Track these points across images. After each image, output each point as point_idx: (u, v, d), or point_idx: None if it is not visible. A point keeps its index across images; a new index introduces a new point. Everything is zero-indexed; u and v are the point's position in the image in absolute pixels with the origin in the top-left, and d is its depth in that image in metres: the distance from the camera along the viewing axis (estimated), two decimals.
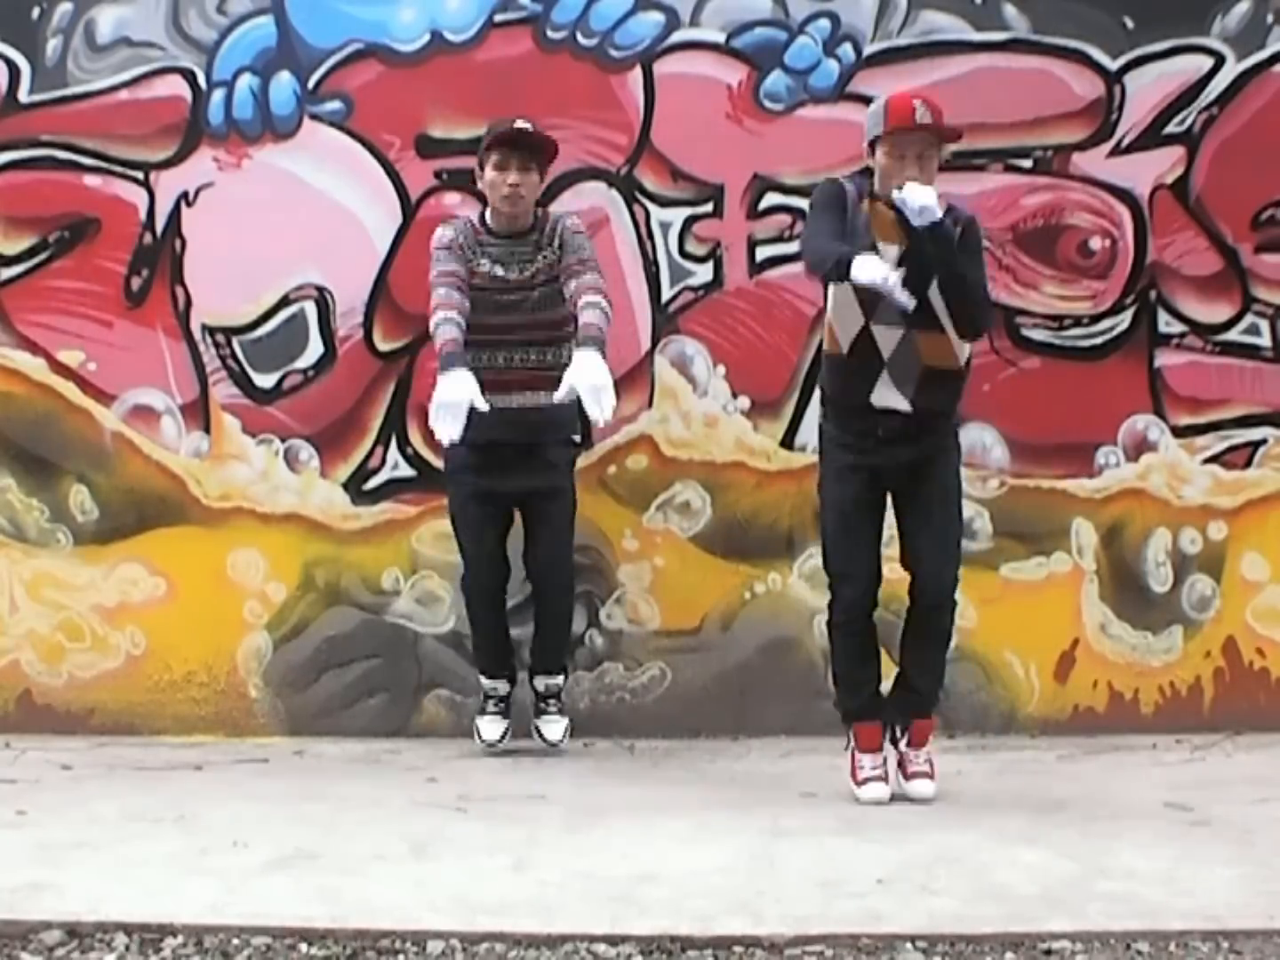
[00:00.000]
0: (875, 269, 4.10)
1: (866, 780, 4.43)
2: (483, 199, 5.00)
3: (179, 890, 3.63)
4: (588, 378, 4.47)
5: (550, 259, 4.88)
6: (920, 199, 4.16)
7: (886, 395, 4.33)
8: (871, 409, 4.34)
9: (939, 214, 4.19)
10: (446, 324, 4.67)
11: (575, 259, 4.85)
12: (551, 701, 5.11)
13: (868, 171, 4.42)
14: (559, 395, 4.53)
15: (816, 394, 4.84)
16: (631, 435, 5.39)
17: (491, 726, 5.12)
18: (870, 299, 4.25)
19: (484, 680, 5.13)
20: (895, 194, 4.21)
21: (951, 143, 4.40)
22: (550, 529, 5.00)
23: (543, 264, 4.89)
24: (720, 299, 5.37)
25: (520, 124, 4.87)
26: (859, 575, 4.42)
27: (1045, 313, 5.37)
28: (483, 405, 4.51)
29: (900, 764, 4.52)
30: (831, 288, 4.35)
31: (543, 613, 5.09)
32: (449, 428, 4.48)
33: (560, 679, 5.13)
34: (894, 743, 4.54)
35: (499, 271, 4.88)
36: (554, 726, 5.10)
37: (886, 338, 4.31)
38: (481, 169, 4.90)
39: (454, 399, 4.50)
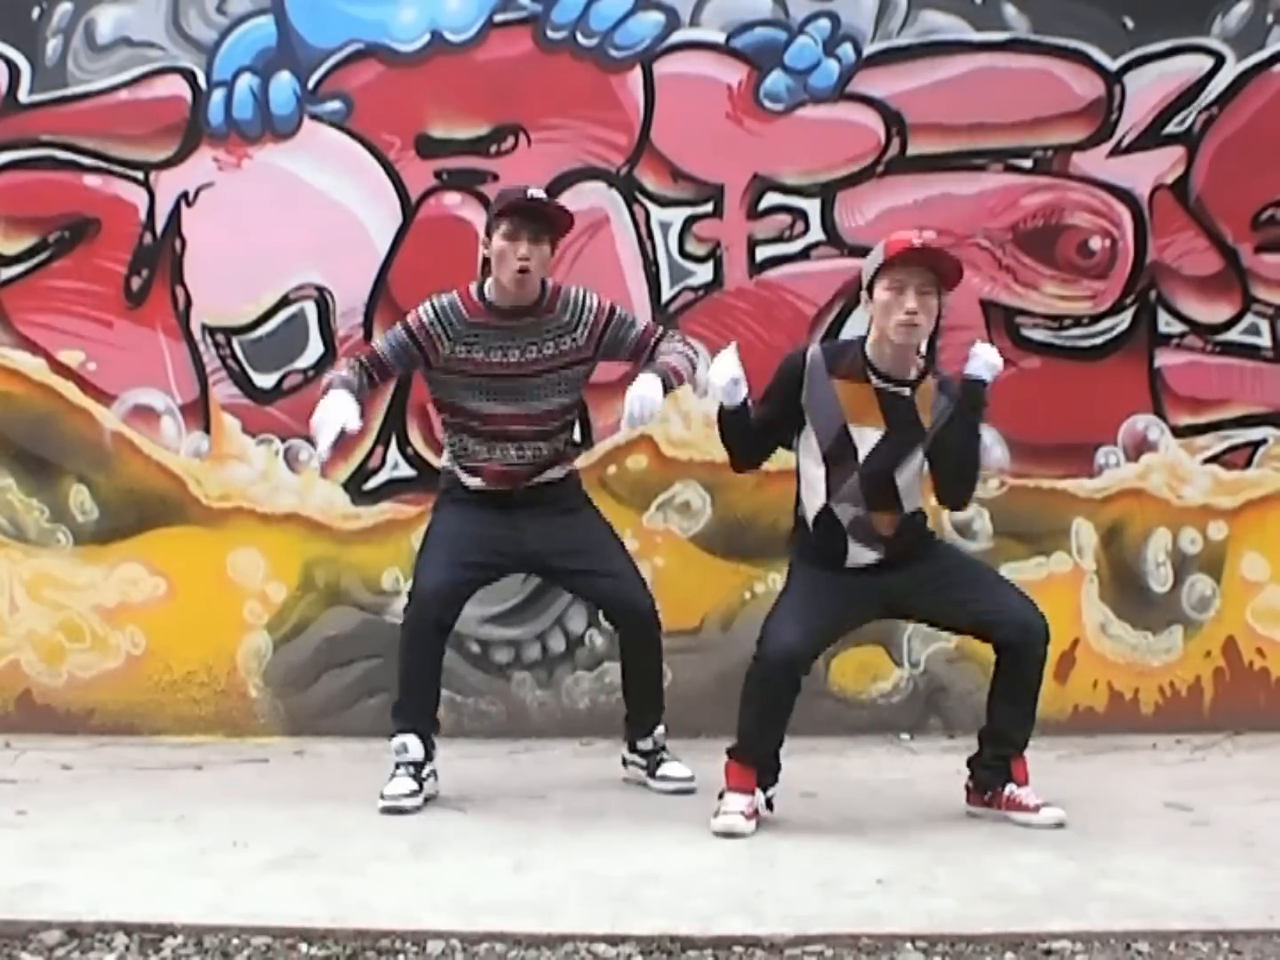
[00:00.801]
0: (721, 369, 4.14)
1: (724, 812, 4.15)
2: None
3: (179, 890, 3.63)
4: (640, 389, 4.34)
5: (570, 348, 4.52)
6: (991, 357, 4.15)
7: (858, 558, 4.24)
8: (846, 569, 4.24)
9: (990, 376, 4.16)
10: (334, 372, 4.48)
11: (641, 335, 4.55)
12: (665, 752, 4.72)
13: (852, 340, 4.28)
14: (624, 421, 4.39)
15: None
16: (631, 435, 5.39)
17: (395, 783, 4.41)
18: (836, 480, 4.20)
19: (395, 738, 4.46)
20: (973, 348, 4.16)
21: (953, 284, 4.16)
22: (607, 562, 4.56)
23: (554, 350, 4.50)
24: (720, 299, 5.38)
25: (534, 192, 4.47)
26: (791, 642, 4.17)
27: (1045, 313, 5.37)
28: (355, 426, 4.31)
29: (1020, 805, 4.24)
30: (800, 464, 4.28)
31: (630, 666, 4.70)
32: (321, 445, 4.31)
33: (663, 729, 4.75)
34: (999, 794, 4.29)
35: (495, 357, 4.46)
36: (677, 765, 4.70)
37: (845, 514, 4.23)
38: (488, 235, 4.46)
39: (327, 418, 4.29)
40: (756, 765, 4.23)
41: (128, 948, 3.35)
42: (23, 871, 3.77)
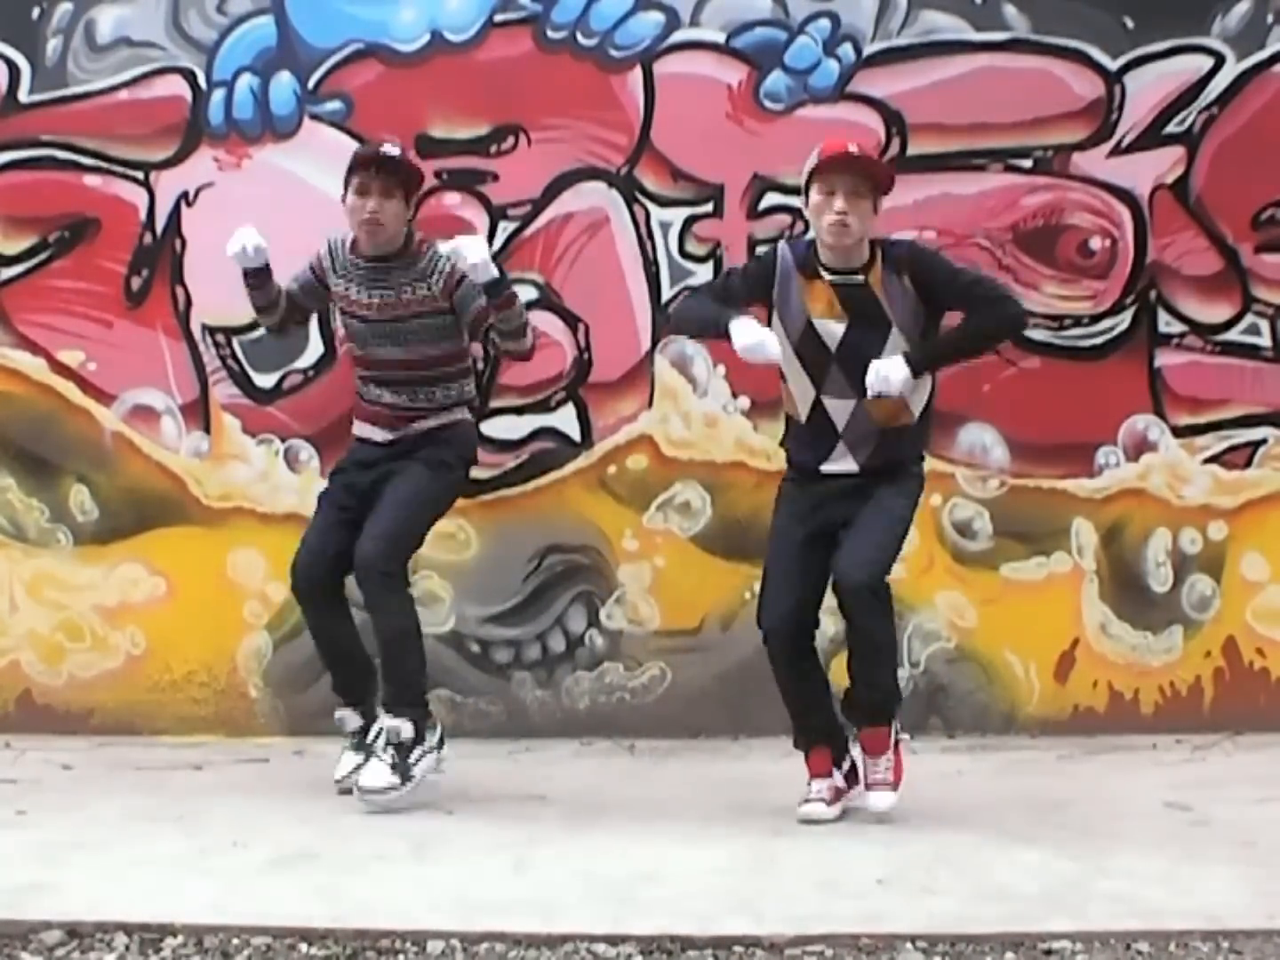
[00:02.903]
0: (752, 333, 4.07)
1: (807, 800, 4.31)
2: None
3: (179, 890, 3.63)
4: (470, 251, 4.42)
5: (427, 293, 4.57)
6: (881, 370, 4.15)
7: (838, 462, 4.29)
8: (820, 475, 4.30)
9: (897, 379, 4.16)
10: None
11: (482, 305, 4.55)
12: (388, 750, 4.44)
13: (810, 242, 4.30)
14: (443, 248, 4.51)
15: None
16: (631, 435, 5.39)
17: (342, 761, 4.62)
18: (817, 372, 4.26)
19: (336, 710, 4.69)
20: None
21: (885, 188, 4.23)
22: (381, 522, 4.48)
23: (414, 296, 4.57)
24: None
25: (386, 148, 4.59)
26: (778, 611, 4.26)
27: (1045, 313, 5.37)
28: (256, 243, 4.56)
29: (862, 774, 4.33)
30: (783, 360, 4.24)
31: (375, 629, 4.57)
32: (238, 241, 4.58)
33: (400, 725, 4.43)
34: (852, 754, 4.41)
35: (363, 296, 4.61)
36: (372, 771, 4.43)
37: (839, 409, 4.27)
38: (344, 191, 4.61)
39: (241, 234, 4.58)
40: (826, 743, 4.36)
41: (128, 948, 3.36)
42: (23, 871, 3.77)
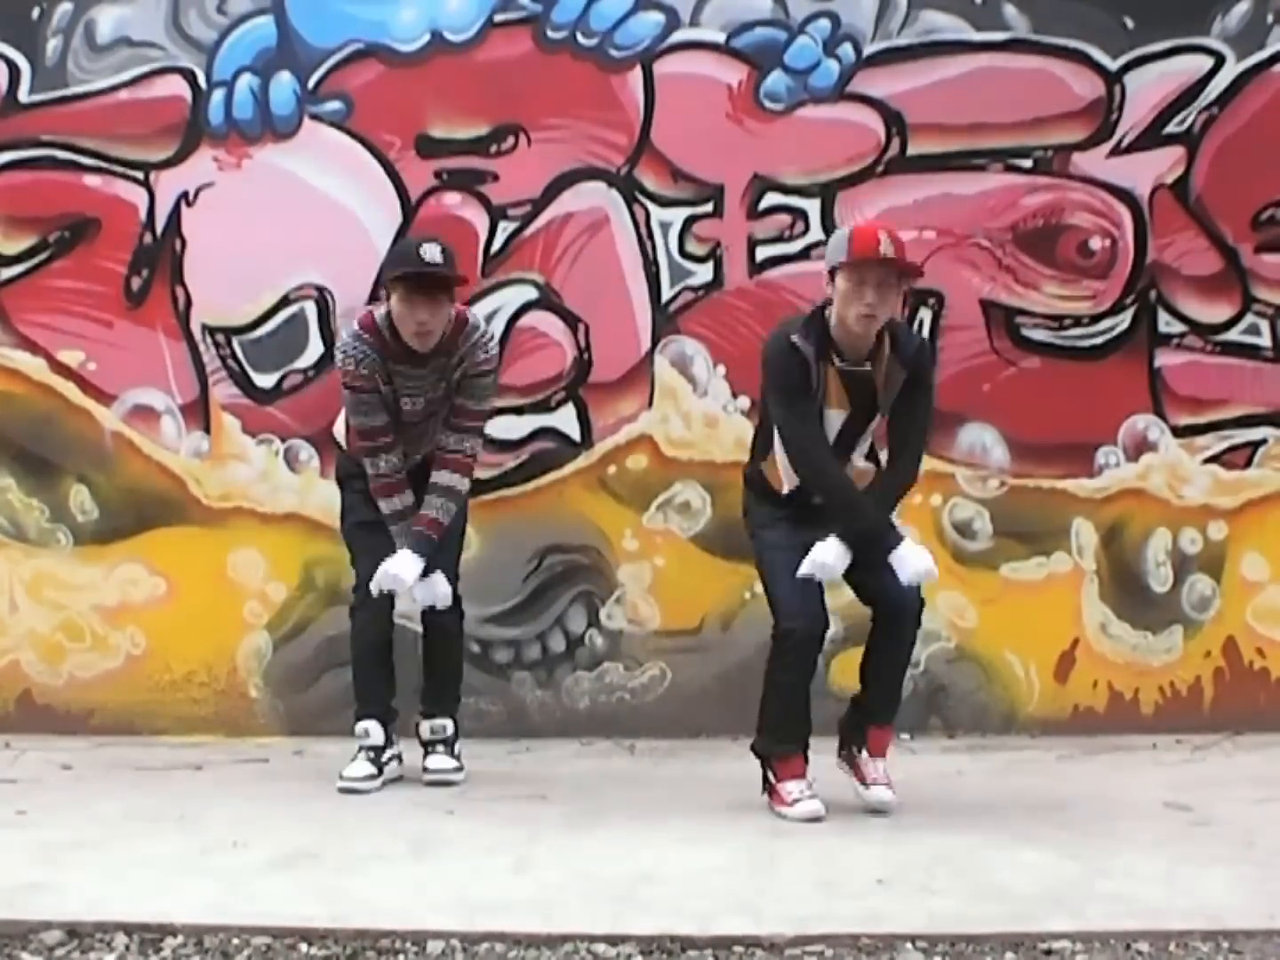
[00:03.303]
0: (831, 556, 4.20)
1: (797, 800, 4.28)
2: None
3: (179, 890, 3.62)
4: (423, 596, 4.65)
5: (456, 377, 4.63)
6: (918, 564, 4.24)
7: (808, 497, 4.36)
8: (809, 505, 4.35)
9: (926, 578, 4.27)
10: (397, 519, 4.65)
11: (469, 405, 4.64)
12: (439, 746, 4.78)
13: (815, 316, 4.29)
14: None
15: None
16: (631, 435, 5.39)
17: (354, 766, 4.68)
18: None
19: (357, 724, 4.75)
20: (896, 554, 4.24)
21: (915, 278, 4.36)
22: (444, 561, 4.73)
23: (448, 388, 4.64)
24: (720, 299, 5.38)
25: (427, 252, 4.47)
26: (811, 611, 4.29)
27: (1045, 313, 5.37)
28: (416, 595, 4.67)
29: (859, 773, 4.40)
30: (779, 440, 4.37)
31: (431, 649, 4.88)
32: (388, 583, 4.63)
33: (449, 723, 4.82)
34: (853, 753, 4.44)
35: (405, 405, 4.62)
36: (441, 759, 4.76)
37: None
38: (386, 291, 4.59)
39: (398, 574, 4.60)
40: (802, 749, 4.37)
41: (128, 948, 3.35)
42: (23, 871, 3.76)
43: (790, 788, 4.30)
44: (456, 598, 4.79)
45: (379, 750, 4.71)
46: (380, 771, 4.68)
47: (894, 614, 4.32)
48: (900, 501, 4.47)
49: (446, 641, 4.86)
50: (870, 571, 4.28)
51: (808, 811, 4.25)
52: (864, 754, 4.40)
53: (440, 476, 4.64)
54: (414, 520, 4.61)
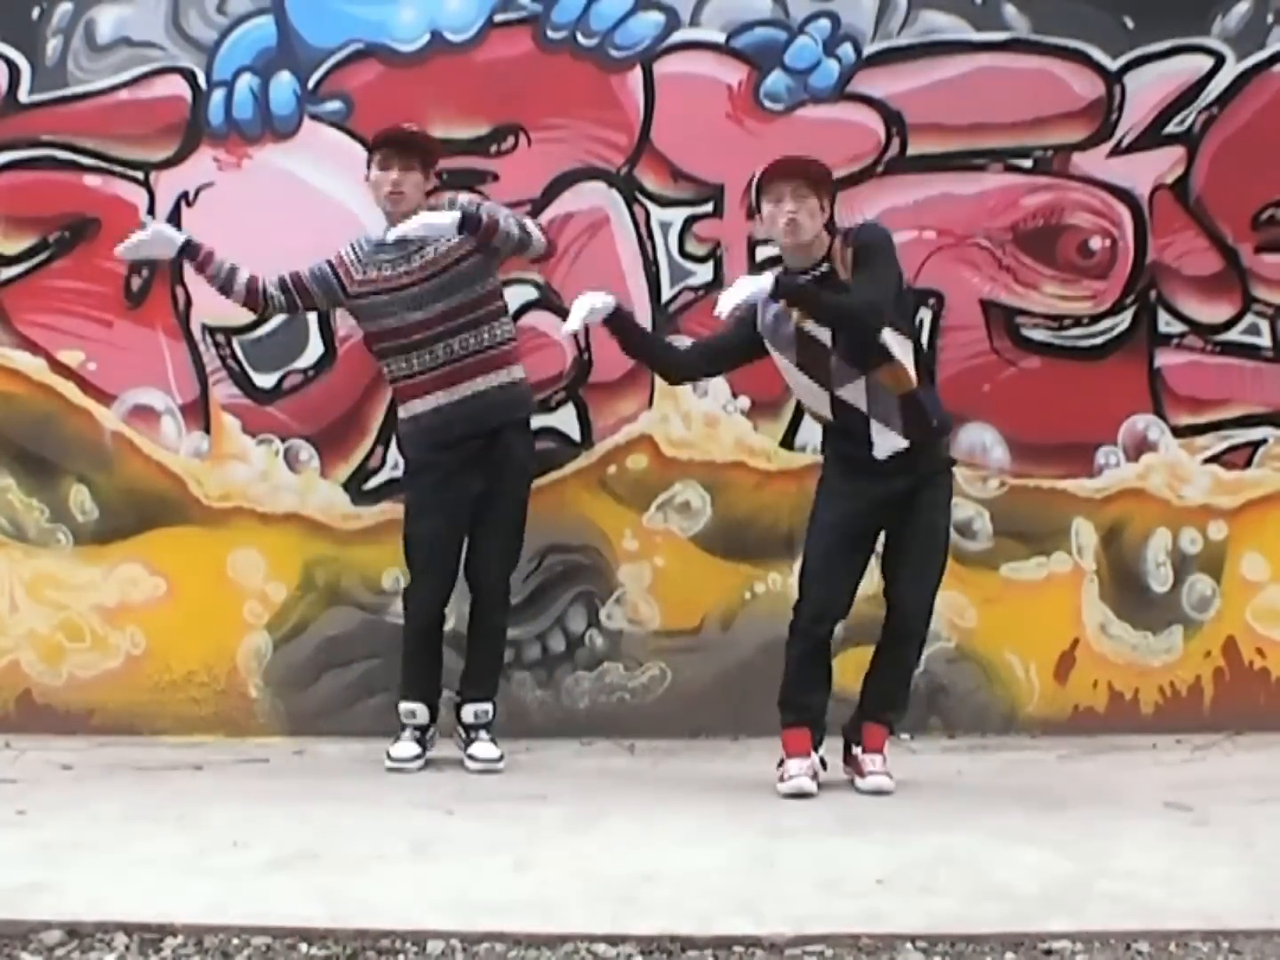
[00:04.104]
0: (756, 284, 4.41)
1: (790, 777, 4.48)
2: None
3: (179, 890, 3.62)
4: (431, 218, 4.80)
5: (449, 244, 4.87)
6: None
7: (885, 443, 4.48)
8: (878, 461, 4.50)
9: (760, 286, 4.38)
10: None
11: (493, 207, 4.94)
12: (482, 731, 5.00)
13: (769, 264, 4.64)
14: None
15: None
16: (631, 435, 5.39)
17: (402, 746, 4.95)
18: (822, 373, 4.48)
19: (402, 704, 5.01)
20: None
21: (824, 183, 4.48)
22: (500, 542, 5.02)
23: (436, 254, 4.89)
24: None
25: (404, 126, 4.96)
26: (830, 598, 4.55)
27: (1045, 313, 5.37)
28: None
29: (857, 768, 4.61)
30: (793, 387, 4.63)
31: (479, 634, 5.08)
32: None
33: (490, 707, 5.04)
34: (852, 752, 4.64)
35: (399, 269, 4.91)
36: (486, 747, 4.96)
37: (854, 394, 4.48)
38: (367, 170, 4.94)
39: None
40: (811, 727, 4.55)
41: (128, 948, 3.35)
42: (23, 871, 3.76)
43: (790, 765, 4.49)
44: (506, 582, 5.05)
45: (425, 730, 4.97)
46: (424, 751, 4.95)
47: (899, 632, 4.59)
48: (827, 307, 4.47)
49: (493, 623, 5.05)
50: (897, 573, 4.57)
51: (791, 787, 4.43)
52: (859, 750, 4.60)
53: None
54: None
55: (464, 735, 5.02)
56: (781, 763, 4.54)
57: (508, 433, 4.96)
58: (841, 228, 4.56)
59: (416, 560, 5.00)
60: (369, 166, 4.93)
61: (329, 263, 4.99)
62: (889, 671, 4.62)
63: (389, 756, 4.91)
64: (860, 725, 4.63)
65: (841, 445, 4.60)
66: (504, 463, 4.96)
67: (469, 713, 5.01)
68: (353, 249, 5.00)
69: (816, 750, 4.58)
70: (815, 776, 4.51)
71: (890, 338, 4.44)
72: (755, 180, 4.51)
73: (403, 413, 5.03)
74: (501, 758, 4.95)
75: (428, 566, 4.97)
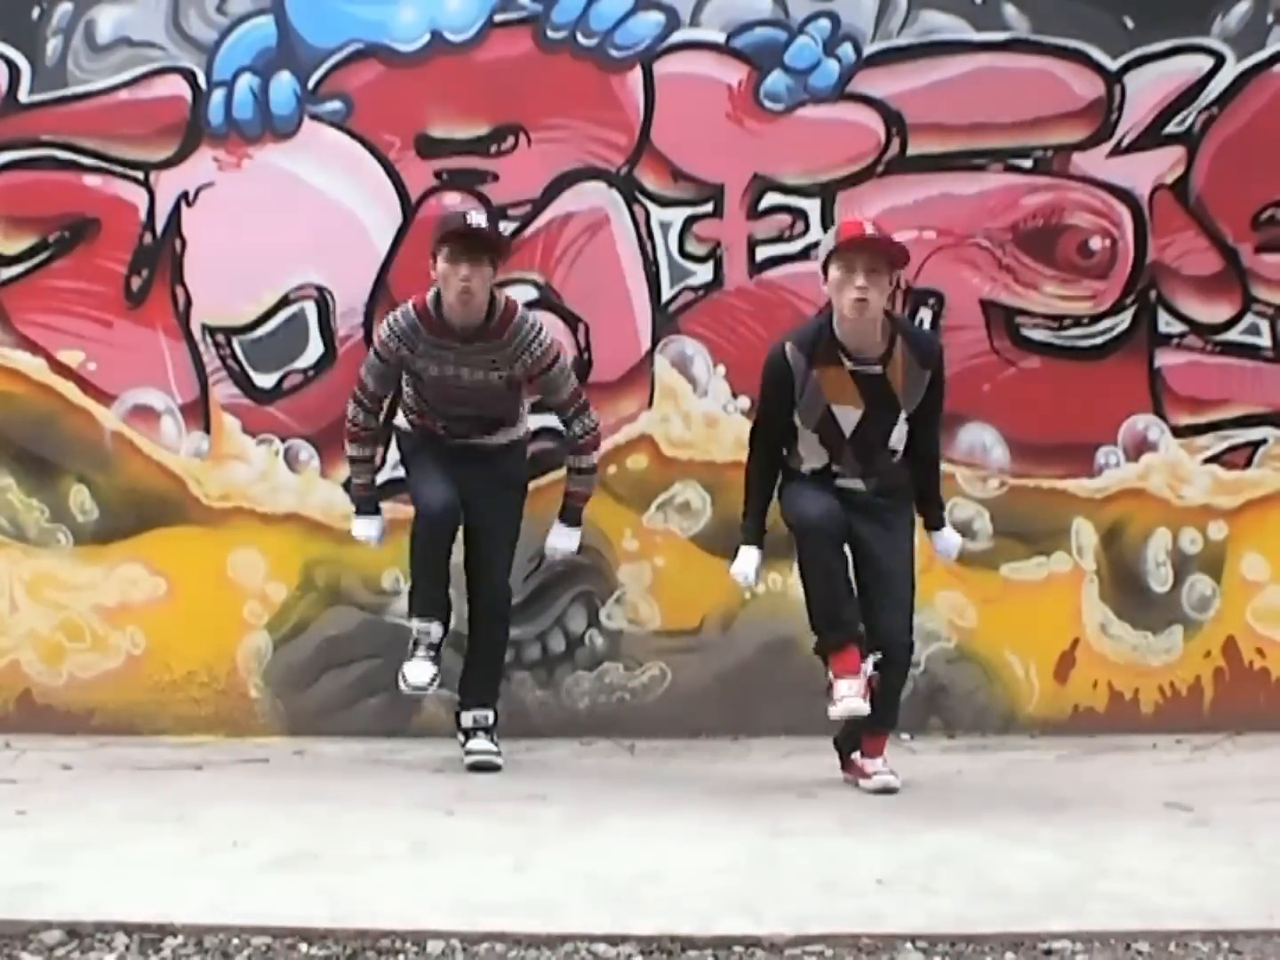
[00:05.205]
0: (743, 566, 4.61)
1: (842, 698, 4.39)
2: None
3: (179, 890, 3.63)
4: (563, 546, 5.08)
5: (509, 374, 4.87)
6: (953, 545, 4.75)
7: (845, 481, 4.55)
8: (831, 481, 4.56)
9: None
10: (356, 467, 5.10)
11: (564, 397, 4.96)
12: (480, 732, 5.00)
13: (822, 321, 4.52)
14: (549, 553, 5.12)
15: None
16: (631, 435, 5.39)
17: (418, 668, 4.89)
18: (833, 449, 4.52)
19: (416, 622, 4.94)
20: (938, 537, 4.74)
21: (900, 265, 4.50)
22: (497, 548, 5.03)
23: (497, 380, 4.88)
24: (720, 299, 5.38)
25: (472, 218, 4.79)
26: (830, 506, 4.48)
27: (1045, 313, 5.37)
28: (376, 543, 5.13)
29: (859, 772, 4.63)
30: (801, 438, 4.57)
31: (478, 641, 5.08)
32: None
33: (490, 713, 5.04)
34: (851, 760, 4.68)
35: (448, 372, 4.85)
36: (483, 741, 4.98)
37: (846, 481, 4.56)
38: (434, 258, 4.79)
39: (364, 536, 5.13)
40: (856, 638, 4.44)
41: (128, 948, 3.35)
42: (23, 871, 3.76)
43: (841, 686, 4.40)
44: (507, 590, 5.06)
45: (438, 648, 4.93)
46: (437, 671, 4.90)
47: (890, 659, 4.51)
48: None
49: (493, 631, 5.05)
50: (871, 602, 4.50)
51: (846, 710, 4.36)
52: (859, 755, 4.62)
53: (577, 461, 5.03)
54: (569, 499, 5.05)
55: (463, 738, 5.02)
56: (829, 686, 4.44)
57: (505, 450, 5.07)
58: (898, 318, 4.61)
59: (421, 485, 4.97)
60: (434, 256, 4.77)
61: (380, 359, 4.92)
62: (885, 697, 4.51)
63: (404, 680, 4.89)
64: (858, 736, 4.63)
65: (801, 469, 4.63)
66: (498, 476, 5.01)
67: (468, 718, 5.02)
68: (402, 341, 4.85)
69: (864, 661, 4.45)
70: (867, 691, 4.39)
71: (900, 445, 4.55)
72: (834, 238, 4.43)
73: (403, 424, 5.14)
74: (499, 753, 4.95)
75: (430, 479, 4.93)
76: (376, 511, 5.12)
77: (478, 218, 4.81)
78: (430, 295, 4.83)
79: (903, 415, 4.49)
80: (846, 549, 4.51)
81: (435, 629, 4.92)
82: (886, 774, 4.57)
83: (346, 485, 5.40)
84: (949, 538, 4.74)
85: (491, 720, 5.03)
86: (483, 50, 5.34)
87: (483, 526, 4.99)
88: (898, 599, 4.52)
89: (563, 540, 5.05)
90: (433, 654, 4.92)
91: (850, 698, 4.38)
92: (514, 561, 5.09)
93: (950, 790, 4.55)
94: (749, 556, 4.62)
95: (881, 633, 4.49)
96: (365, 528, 5.11)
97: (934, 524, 4.73)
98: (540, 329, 4.90)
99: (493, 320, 4.82)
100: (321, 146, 5.37)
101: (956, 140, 5.32)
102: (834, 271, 4.38)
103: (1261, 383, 5.41)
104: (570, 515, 5.05)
